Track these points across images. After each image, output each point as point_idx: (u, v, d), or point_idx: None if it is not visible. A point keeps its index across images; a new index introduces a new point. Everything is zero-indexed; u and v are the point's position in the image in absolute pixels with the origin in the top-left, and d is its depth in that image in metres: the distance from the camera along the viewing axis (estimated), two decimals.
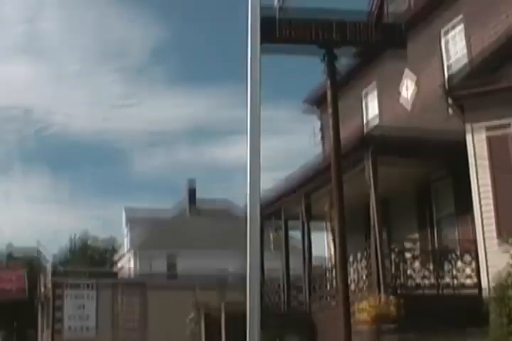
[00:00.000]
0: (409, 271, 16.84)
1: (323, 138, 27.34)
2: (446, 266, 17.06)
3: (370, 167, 16.94)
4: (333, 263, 17.60)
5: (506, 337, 12.06)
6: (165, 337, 26.75)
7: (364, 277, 17.01)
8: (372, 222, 16.67)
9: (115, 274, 42.53)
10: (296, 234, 23.23)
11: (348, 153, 15.09)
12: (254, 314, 3.91)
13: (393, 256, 16.68)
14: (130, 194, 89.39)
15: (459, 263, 17.04)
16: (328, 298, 18.49)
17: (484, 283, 15.54)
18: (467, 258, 16.97)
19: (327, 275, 19.17)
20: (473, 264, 16.74)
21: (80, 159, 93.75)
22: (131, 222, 59.84)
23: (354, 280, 17.13)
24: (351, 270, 16.92)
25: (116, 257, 63.72)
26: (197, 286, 26.89)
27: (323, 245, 25.42)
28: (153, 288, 30.91)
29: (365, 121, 24.75)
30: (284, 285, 21.02)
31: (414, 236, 20.16)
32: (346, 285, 4.96)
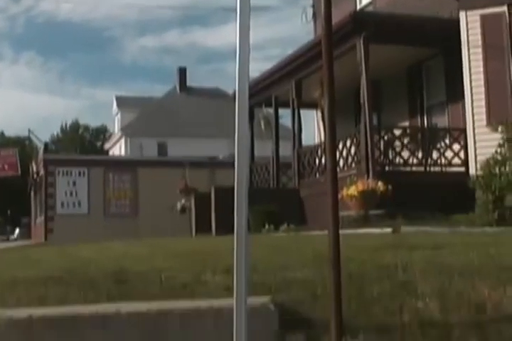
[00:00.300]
0: (398, 159, 17.04)
1: (315, 22, 27.00)
2: (435, 154, 17.26)
3: (362, 48, 16.80)
4: (323, 148, 17.71)
5: (491, 213, 12.36)
6: (155, 213, 27.32)
7: (353, 164, 17.21)
8: (362, 108, 16.70)
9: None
10: (286, 122, 23.38)
11: (339, 35, 14.95)
12: (242, 199, 3.96)
13: (382, 143, 16.84)
14: (121, 82, 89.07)
15: (448, 151, 17.23)
16: (317, 174, 18.75)
17: (472, 170, 15.78)
18: (456, 146, 17.15)
19: (317, 154, 19.35)
20: (462, 152, 16.93)
21: (70, 47, 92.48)
22: (122, 110, 59.74)
23: (343, 167, 17.34)
24: (340, 157, 17.09)
25: (107, 145, 64.04)
26: (187, 165, 27.11)
27: (314, 134, 25.59)
28: (144, 166, 31.32)
29: (358, 7, 24.37)
30: (273, 165, 21.28)
31: (404, 124, 20.28)
32: (335, 171, 5.06)
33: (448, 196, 14.24)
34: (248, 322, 3.86)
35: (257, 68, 23.68)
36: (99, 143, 72.53)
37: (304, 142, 21.46)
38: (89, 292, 5.79)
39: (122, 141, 56.54)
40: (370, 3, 23.83)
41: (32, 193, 39.78)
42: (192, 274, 6.28)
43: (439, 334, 4.99)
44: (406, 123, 20.24)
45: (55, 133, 75.79)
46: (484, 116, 16.39)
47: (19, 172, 40.96)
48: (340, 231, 5.06)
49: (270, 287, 5.73)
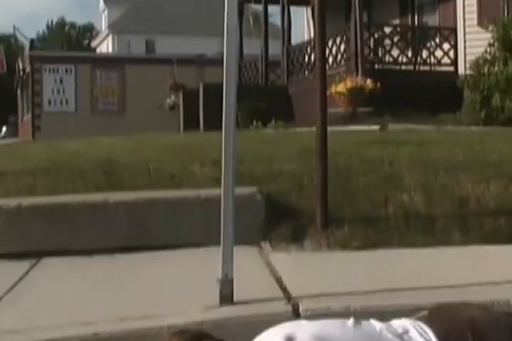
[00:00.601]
0: (387, 57, 16.91)
1: None
2: (425, 53, 17.11)
3: None
4: (312, 45, 17.51)
5: (478, 112, 12.39)
6: (143, 110, 27.24)
7: (342, 62, 17.07)
8: (353, 5, 16.43)
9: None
10: (276, 21, 22.97)
11: None
12: (230, 95, 3.94)
13: (372, 40, 16.65)
14: None
15: (438, 50, 17.08)
16: (306, 72, 18.63)
17: (461, 69, 15.71)
18: (446, 45, 16.99)
19: (306, 51, 19.15)
20: (452, 51, 16.80)
21: None
22: (109, 6, 58.42)
23: (332, 64, 17.20)
24: (329, 54, 16.93)
25: (94, 43, 63.00)
26: (175, 62, 26.78)
27: (303, 33, 25.23)
28: (131, 63, 30.95)
29: None
30: (262, 62, 21.06)
31: (394, 22, 20.02)
32: (324, 68, 5.00)
33: (436, 95, 14.20)
34: (235, 211, 3.91)
35: None
36: (85, 42, 71.34)
37: (293, 41, 21.22)
38: (77, 182, 5.85)
39: (109, 38, 55.66)
40: None
41: (18, 91, 39.43)
42: (180, 166, 6.33)
43: (423, 225, 5.09)
44: (396, 22, 19.97)
45: (41, 31, 74.59)
46: (475, 16, 16.19)
47: (5, 69, 40.44)
48: (328, 128, 5.09)
49: (257, 178, 5.79)
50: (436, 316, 2.90)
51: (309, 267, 4.49)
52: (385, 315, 3.02)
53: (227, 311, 3.57)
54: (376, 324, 2.86)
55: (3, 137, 46.34)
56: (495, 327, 2.76)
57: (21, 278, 4.53)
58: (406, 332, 2.77)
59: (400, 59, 16.97)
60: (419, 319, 2.90)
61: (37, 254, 4.99)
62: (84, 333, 3.47)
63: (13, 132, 43.53)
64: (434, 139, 8.17)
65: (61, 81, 31.27)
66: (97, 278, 4.51)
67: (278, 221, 5.09)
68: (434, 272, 4.25)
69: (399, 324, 2.86)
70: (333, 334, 2.75)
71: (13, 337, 3.50)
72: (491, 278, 4.02)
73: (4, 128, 50.99)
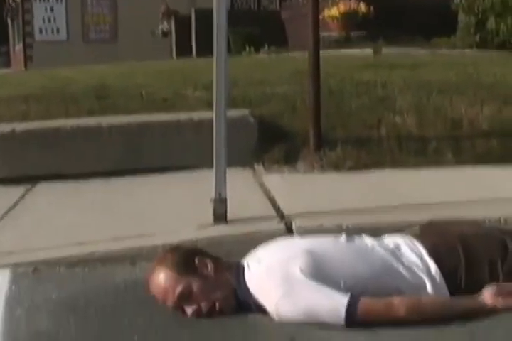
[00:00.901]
0: None
1: None
2: None
3: None
4: None
5: (473, 36, 12.26)
6: (135, 38, 26.92)
7: None
8: None
9: None
10: None
11: None
12: (221, 21, 3.88)
13: None
14: None
15: None
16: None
17: None
18: None
19: None
20: None
21: None
22: None
23: None
24: None
25: None
26: None
27: None
28: None
29: None
30: None
31: None
32: None
33: (430, 19, 14.01)
34: (228, 134, 3.92)
35: None
36: None
37: None
38: (70, 107, 5.83)
39: None
40: None
41: (9, 20, 38.82)
42: (172, 90, 6.30)
43: (416, 147, 5.11)
44: None
45: None
46: None
47: None
48: (321, 52, 5.04)
49: (250, 101, 5.78)
50: (427, 231, 2.95)
51: (302, 187, 4.53)
52: (377, 232, 3.07)
53: (221, 229, 3.61)
54: (368, 239, 2.91)
55: None
56: (484, 241, 2.81)
57: (17, 203, 4.57)
58: (397, 247, 2.82)
59: None
60: (411, 234, 2.95)
61: (32, 179, 5.02)
62: (80, 253, 3.53)
63: (6, 62, 43.01)
64: (427, 62, 8.11)
65: (51, 9, 30.74)
66: (92, 200, 4.55)
67: (271, 143, 5.11)
68: (426, 191, 4.30)
69: (390, 239, 2.91)
70: (326, 248, 2.80)
71: (10, 258, 3.55)
72: (482, 197, 4.07)
73: None
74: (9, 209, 4.41)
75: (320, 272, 2.64)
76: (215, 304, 2.72)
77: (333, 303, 2.54)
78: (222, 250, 3.45)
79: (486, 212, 3.64)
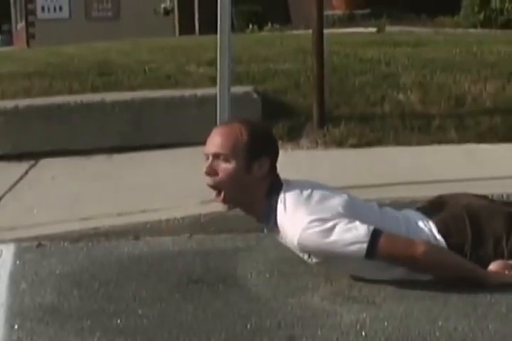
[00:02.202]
0: None
1: None
2: None
3: None
4: None
5: (477, 15, 12.21)
6: (138, 16, 26.82)
7: None
8: None
9: None
10: None
11: None
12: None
13: None
14: None
15: None
16: None
17: None
18: None
19: None
20: None
21: None
22: None
23: None
24: None
25: None
26: None
27: None
28: None
29: None
30: None
31: None
32: None
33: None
34: (231, 110, 3.91)
35: None
36: None
37: None
38: (73, 84, 5.82)
39: None
40: None
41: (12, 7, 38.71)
42: (176, 66, 6.28)
43: (419, 124, 5.10)
44: None
45: None
46: None
47: None
48: (325, 30, 5.00)
49: (254, 77, 5.76)
50: (436, 206, 2.96)
51: (306, 164, 4.53)
52: None
53: (224, 205, 3.61)
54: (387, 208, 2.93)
55: None
56: (491, 217, 2.82)
57: (21, 178, 4.59)
58: (408, 221, 2.83)
59: None
60: (420, 209, 2.96)
61: (35, 155, 5.03)
62: (84, 228, 3.55)
63: (8, 41, 42.91)
64: (431, 40, 8.07)
65: None
66: (95, 176, 4.56)
67: (274, 119, 5.09)
68: (430, 168, 4.31)
69: (402, 214, 2.92)
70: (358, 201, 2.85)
71: (14, 233, 3.58)
72: (485, 174, 4.08)
73: None
74: (13, 185, 4.42)
75: (353, 209, 2.70)
76: (227, 192, 2.75)
77: (359, 230, 2.59)
78: (225, 225, 3.47)
79: (489, 189, 3.64)
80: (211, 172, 2.74)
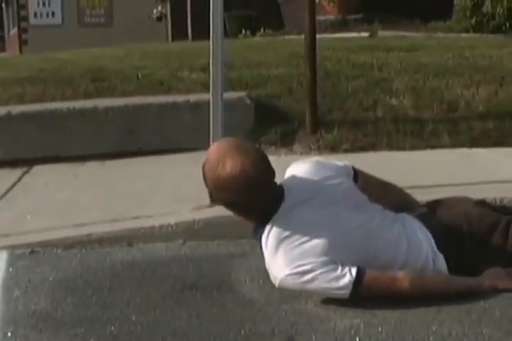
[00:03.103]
0: None
1: None
2: None
3: None
4: None
5: (469, 19, 12.22)
6: (131, 22, 26.82)
7: None
8: None
9: None
10: None
11: None
12: (217, 3, 3.88)
13: None
14: None
15: None
16: None
17: None
18: None
19: None
20: None
21: None
22: None
23: None
24: None
25: None
26: None
27: None
28: None
29: None
30: None
31: None
32: None
33: (426, 2, 13.98)
34: (224, 115, 3.91)
35: None
36: None
37: None
38: (66, 90, 5.82)
39: None
40: None
41: (3, 5, 38.65)
42: (169, 72, 6.28)
43: (412, 129, 5.11)
44: None
45: None
46: None
47: None
48: (318, 35, 5.01)
49: (246, 83, 5.76)
50: (433, 210, 2.95)
51: None
52: None
53: (218, 211, 3.59)
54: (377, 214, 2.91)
55: None
56: (488, 224, 2.81)
57: (14, 185, 4.58)
58: (404, 225, 2.82)
59: None
60: (417, 213, 2.95)
61: (28, 161, 5.02)
62: (78, 234, 3.53)
63: (0, 47, 42.84)
64: (423, 45, 8.09)
65: None
66: (88, 182, 4.55)
67: (268, 125, 5.10)
68: (423, 173, 4.30)
69: (397, 217, 2.90)
70: None
71: (7, 240, 3.56)
72: (479, 178, 4.07)
73: None
74: (6, 192, 4.41)
75: (338, 245, 2.63)
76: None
77: (341, 272, 2.55)
78: (219, 232, 3.47)
79: (482, 193, 3.64)
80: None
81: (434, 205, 3.02)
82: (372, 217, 2.78)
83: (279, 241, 2.63)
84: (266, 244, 2.65)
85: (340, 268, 2.57)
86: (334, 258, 2.59)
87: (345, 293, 2.55)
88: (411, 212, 2.96)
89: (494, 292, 2.63)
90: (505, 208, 3.14)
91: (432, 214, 2.93)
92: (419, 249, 2.72)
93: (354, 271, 2.56)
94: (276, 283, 2.62)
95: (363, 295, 2.56)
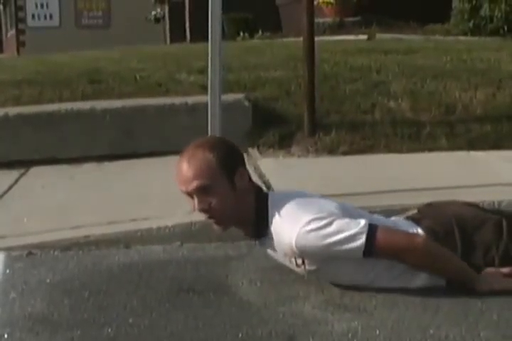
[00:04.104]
0: None
1: None
2: None
3: None
4: None
5: (467, 22, 12.22)
6: (129, 24, 26.84)
7: None
8: None
9: None
10: None
11: None
12: (216, 6, 3.88)
13: None
14: None
15: None
16: None
17: None
18: None
19: None
20: None
21: None
22: None
23: None
24: None
25: None
26: None
27: None
28: None
29: None
30: None
31: None
32: None
33: (425, 5, 14.00)
34: (222, 118, 3.91)
35: None
36: None
37: None
38: (63, 91, 5.81)
39: None
40: None
41: (1, 6, 38.69)
42: (167, 74, 6.28)
43: (410, 131, 5.11)
44: None
45: None
46: None
47: None
48: (316, 38, 5.02)
49: (244, 85, 5.76)
50: (425, 214, 2.96)
51: (297, 171, 4.53)
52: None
53: None
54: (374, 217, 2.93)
55: None
56: (481, 225, 2.81)
57: (11, 187, 4.57)
58: (398, 226, 2.83)
59: None
60: (409, 217, 2.96)
61: (25, 163, 5.02)
62: (75, 236, 3.53)
63: None
64: (421, 48, 8.09)
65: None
66: (86, 184, 4.55)
67: (266, 127, 5.10)
68: (421, 175, 4.31)
69: (390, 221, 2.91)
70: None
71: (4, 242, 3.56)
72: (476, 181, 4.07)
73: None
74: (3, 193, 4.40)
75: (346, 211, 2.72)
76: (223, 216, 2.73)
77: (356, 225, 2.59)
78: (216, 233, 3.46)
79: (480, 196, 3.64)
80: (205, 207, 2.70)
81: (424, 209, 3.04)
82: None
83: (290, 204, 2.67)
84: (278, 212, 2.67)
85: (354, 220, 2.62)
86: (347, 217, 2.64)
87: (361, 241, 2.55)
88: (402, 216, 2.99)
89: (490, 293, 2.62)
90: (499, 211, 3.15)
91: (422, 216, 2.95)
92: None
93: (368, 221, 2.61)
94: (294, 240, 2.60)
95: (378, 248, 2.56)
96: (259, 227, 2.73)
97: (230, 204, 2.70)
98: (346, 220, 2.60)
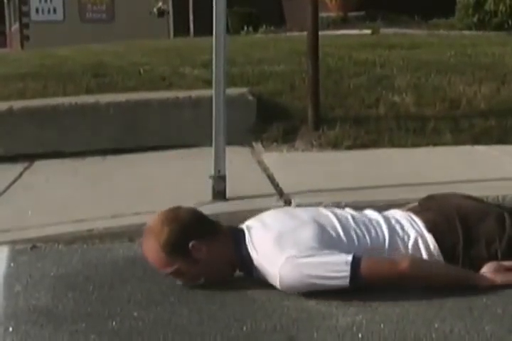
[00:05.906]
0: None
1: None
2: None
3: None
4: None
5: (471, 17, 12.21)
6: (132, 18, 26.81)
7: None
8: None
9: None
10: None
11: None
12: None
13: None
14: None
15: None
16: None
17: None
18: None
19: None
20: None
21: None
22: None
23: None
24: None
25: None
26: None
27: None
28: None
29: None
30: None
31: None
32: None
33: (429, 0, 13.98)
34: (226, 112, 3.90)
35: None
36: None
37: None
38: (67, 85, 5.81)
39: None
40: None
41: (5, 0, 38.65)
42: (170, 68, 6.28)
43: (414, 126, 5.11)
44: None
45: None
46: None
47: None
48: (319, 32, 5.01)
49: (248, 79, 5.76)
50: (426, 207, 2.95)
51: (301, 165, 4.53)
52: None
53: (220, 206, 3.61)
54: (370, 213, 2.91)
55: None
56: (483, 218, 2.81)
57: (15, 180, 4.57)
58: (397, 221, 2.82)
59: None
60: (410, 210, 2.96)
61: (29, 157, 5.02)
62: (79, 230, 3.53)
63: (2, 43, 42.83)
64: (426, 43, 8.09)
65: None
66: (89, 178, 4.55)
67: (270, 121, 5.10)
68: (425, 170, 4.30)
69: (391, 215, 2.90)
70: (330, 219, 2.80)
71: (8, 236, 3.55)
72: (481, 176, 4.07)
73: None
74: (7, 187, 4.40)
75: (326, 239, 2.66)
76: (208, 276, 2.75)
77: (338, 260, 2.56)
78: None
79: (484, 191, 3.63)
80: (193, 279, 2.77)
81: (426, 203, 3.03)
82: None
83: (268, 241, 2.68)
84: (256, 251, 2.69)
85: (335, 252, 2.59)
86: (325, 246, 2.61)
87: (345, 279, 2.53)
88: (403, 209, 2.99)
89: (494, 287, 2.62)
90: (499, 205, 3.14)
91: (422, 207, 2.94)
92: (412, 246, 2.71)
93: (349, 256, 2.56)
94: (277, 280, 2.61)
95: (363, 280, 2.54)
96: (246, 266, 2.74)
97: (207, 269, 2.74)
98: (325, 258, 2.57)
